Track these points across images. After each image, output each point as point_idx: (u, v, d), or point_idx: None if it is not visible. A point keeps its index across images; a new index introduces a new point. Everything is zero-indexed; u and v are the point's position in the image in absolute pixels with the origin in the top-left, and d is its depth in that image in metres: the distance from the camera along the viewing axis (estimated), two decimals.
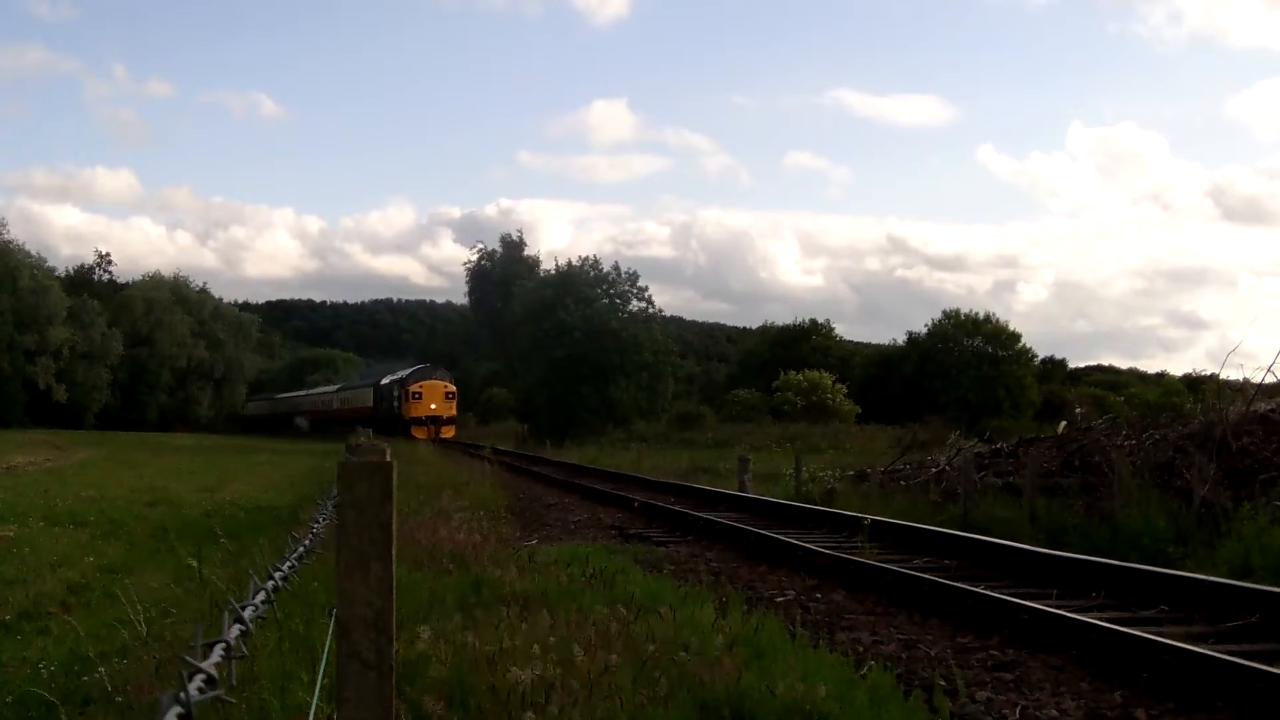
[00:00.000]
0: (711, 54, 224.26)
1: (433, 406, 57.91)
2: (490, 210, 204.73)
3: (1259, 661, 5.51)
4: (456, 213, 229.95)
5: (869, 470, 18.70)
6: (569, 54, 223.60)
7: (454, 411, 59.95)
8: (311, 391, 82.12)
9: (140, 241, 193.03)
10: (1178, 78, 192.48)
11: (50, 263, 74.74)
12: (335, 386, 77.38)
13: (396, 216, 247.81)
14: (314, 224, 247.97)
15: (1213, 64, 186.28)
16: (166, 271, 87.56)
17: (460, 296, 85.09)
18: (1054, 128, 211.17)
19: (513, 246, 69.66)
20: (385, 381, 63.77)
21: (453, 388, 60.62)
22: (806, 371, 57.66)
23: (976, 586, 8.15)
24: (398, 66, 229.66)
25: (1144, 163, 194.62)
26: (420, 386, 59.01)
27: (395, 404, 59.90)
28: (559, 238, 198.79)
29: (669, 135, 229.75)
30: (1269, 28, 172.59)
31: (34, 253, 70.97)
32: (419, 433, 54.88)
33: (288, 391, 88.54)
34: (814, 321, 71.26)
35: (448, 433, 57.33)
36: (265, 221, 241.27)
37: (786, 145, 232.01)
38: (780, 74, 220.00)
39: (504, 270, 67.14)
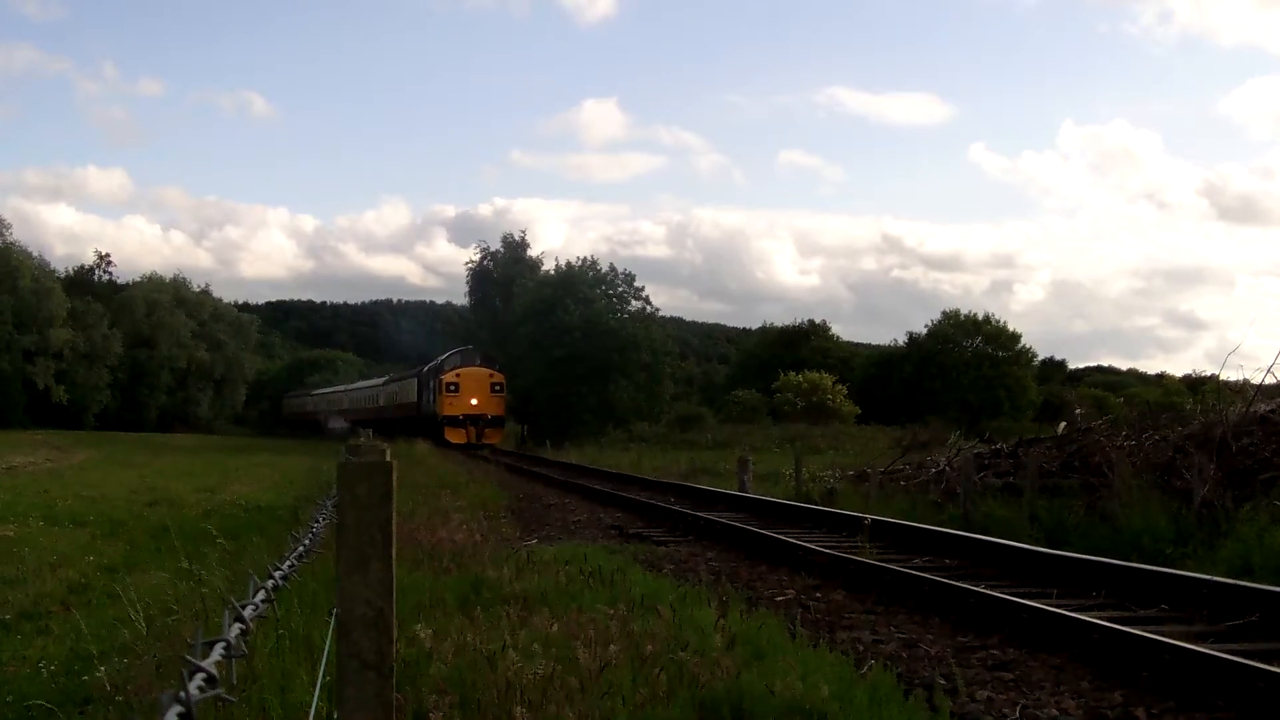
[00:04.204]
0: (702, 52, 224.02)
1: (473, 402, 45.26)
2: (485, 210, 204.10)
3: (1259, 661, 5.50)
4: (451, 211, 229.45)
5: (869, 470, 18.70)
6: (558, 53, 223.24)
7: (501, 410, 46.95)
8: (352, 387, 70.29)
9: (135, 241, 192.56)
10: (1169, 76, 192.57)
11: (50, 264, 75.05)
12: (382, 379, 63.74)
13: (391, 215, 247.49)
14: (308, 223, 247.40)
15: (1204, 63, 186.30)
16: (163, 271, 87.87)
17: (457, 297, 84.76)
18: (1046, 127, 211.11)
19: (515, 246, 69.59)
20: (425, 370, 50.67)
21: (499, 377, 46.98)
22: (806, 372, 57.66)
23: (977, 586, 8.15)
24: (388, 65, 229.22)
25: (1138, 161, 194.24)
26: (457, 375, 45.78)
27: (430, 398, 47.81)
28: (555, 237, 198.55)
29: (661, 133, 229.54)
30: (1258, 26, 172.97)
31: (35, 254, 71.31)
32: (454, 436, 43.81)
33: (326, 388, 77.70)
34: (813, 322, 71.46)
35: (492, 437, 45.54)
36: (259, 221, 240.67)
37: (779, 143, 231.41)
38: (773, 72, 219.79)
39: (505, 270, 67.04)
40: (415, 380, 51.67)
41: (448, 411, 44.83)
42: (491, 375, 46.60)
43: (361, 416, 59.03)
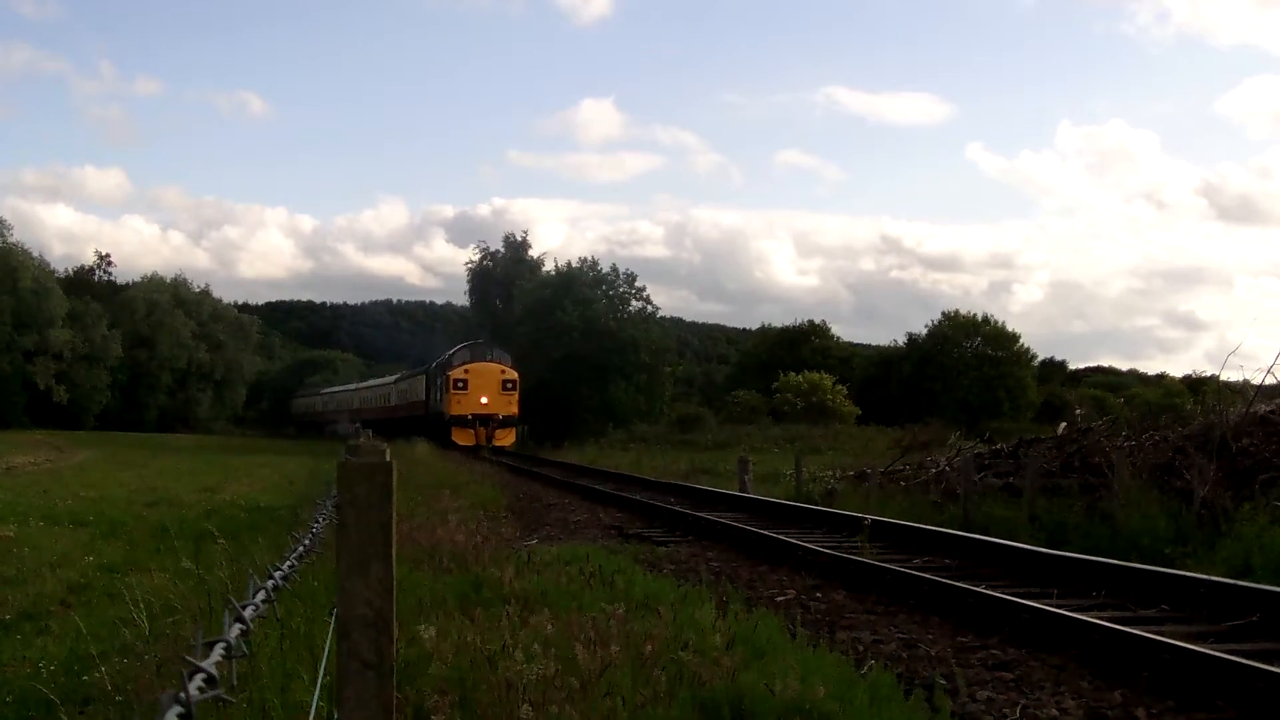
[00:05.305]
0: (699, 51, 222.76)
1: (483, 400, 41.42)
2: (483, 210, 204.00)
3: (1259, 661, 5.51)
4: (449, 211, 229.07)
5: (869, 471, 18.70)
6: (554, 53, 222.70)
7: (514, 409, 42.72)
8: (363, 385, 66.90)
9: (134, 241, 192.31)
10: (1167, 76, 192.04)
11: (50, 264, 75.03)
12: (393, 377, 59.03)
13: (389, 215, 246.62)
14: (307, 223, 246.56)
15: (1201, 62, 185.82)
16: (162, 271, 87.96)
17: (457, 297, 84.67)
18: (1044, 126, 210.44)
19: (516, 246, 69.63)
20: (434, 366, 46.74)
21: (513, 374, 43.01)
22: (806, 373, 57.73)
23: (977, 586, 8.15)
24: (385, 65, 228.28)
25: (1135, 161, 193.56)
26: (466, 371, 42.02)
27: (437, 396, 44.08)
28: (554, 237, 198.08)
29: (659, 133, 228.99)
30: (1255, 26, 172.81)
31: (36, 254, 71.33)
32: (461, 437, 40.51)
33: (336, 386, 74.62)
34: (812, 322, 71.55)
35: (504, 438, 41.95)
36: (258, 221, 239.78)
37: (777, 143, 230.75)
38: (770, 71, 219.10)
39: (506, 270, 67.03)
40: (423, 377, 48.35)
41: (455, 411, 41.30)
42: (503, 371, 42.79)
43: (373, 416, 55.67)
